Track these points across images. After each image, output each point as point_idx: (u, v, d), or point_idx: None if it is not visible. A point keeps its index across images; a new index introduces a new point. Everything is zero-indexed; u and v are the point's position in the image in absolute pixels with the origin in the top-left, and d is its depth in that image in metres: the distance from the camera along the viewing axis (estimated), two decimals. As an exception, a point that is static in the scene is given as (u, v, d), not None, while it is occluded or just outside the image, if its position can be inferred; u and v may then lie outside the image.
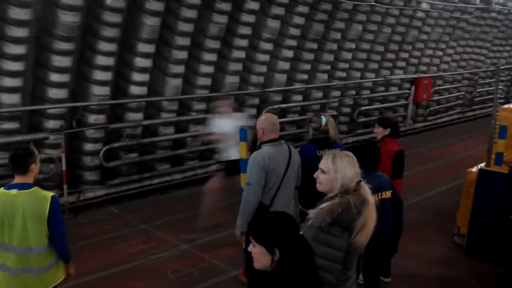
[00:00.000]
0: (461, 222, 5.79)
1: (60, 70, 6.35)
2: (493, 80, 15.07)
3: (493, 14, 13.82)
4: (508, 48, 15.60)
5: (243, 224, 3.73)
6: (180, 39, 7.40)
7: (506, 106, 6.51)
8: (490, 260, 5.22)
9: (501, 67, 15.08)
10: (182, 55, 7.55)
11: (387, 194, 3.62)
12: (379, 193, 3.51)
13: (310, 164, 3.89)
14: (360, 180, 2.56)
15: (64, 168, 6.46)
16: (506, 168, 5.20)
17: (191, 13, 7.33)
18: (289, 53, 9.11)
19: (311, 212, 2.51)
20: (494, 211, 5.08)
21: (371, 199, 2.54)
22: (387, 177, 3.81)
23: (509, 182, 4.65)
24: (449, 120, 13.36)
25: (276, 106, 9.11)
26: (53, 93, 6.42)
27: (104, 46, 6.64)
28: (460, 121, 13.53)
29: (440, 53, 13.03)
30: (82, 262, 4.53)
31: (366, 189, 2.56)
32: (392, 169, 4.72)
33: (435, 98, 12.88)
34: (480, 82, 14.65)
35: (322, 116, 4.36)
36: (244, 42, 8.26)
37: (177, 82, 7.68)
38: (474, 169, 5.80)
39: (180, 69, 7.63)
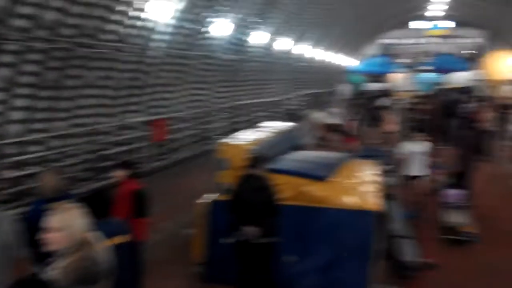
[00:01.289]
0: (196, 252, 6.16)
1: None
2: (222, 117, 17.15)
3: (213, 61, 15.89)
4: (227, 89, 18.06)
5: None
6: None
7: (226, 140, 6.99)
8: (229, 283, 5.62)
9: (223, 106, 17.35)
10: None
11: (122, 238, 3.62)
12: (114, 239, 3.48)
13: (37, 221, 3.71)
14: (92, 230, 2.56)
15: None
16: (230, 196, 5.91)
17: None
18: (24, 102, 8.51)
19: (49, 274, 2.43)
20: (225, 237, 5.55)
21: (106, 247, 2.58)
22: (122, 221, 3.87)
23: (230, 207, 5.33)
24: (185, 157, 14.47)
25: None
26: None
27: None
28: (195, 157, 14.76)
29: (172, 95, 14.17)
30: None
31: (99, 238, 2.57)
32: (132, 209, 4.84)
33: (172, 137, 13.83)
34: (208, 119, 16.45)
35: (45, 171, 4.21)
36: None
37: None
38: (203, 201, 6.26)
39: None
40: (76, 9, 9.04)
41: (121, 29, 10.66)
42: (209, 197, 6.27)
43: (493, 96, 31.37)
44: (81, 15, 9.25)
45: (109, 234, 3.18)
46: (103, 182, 10.34)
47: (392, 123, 13.51)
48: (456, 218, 7.61)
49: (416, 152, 8.50)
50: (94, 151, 10.76)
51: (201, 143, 15.58)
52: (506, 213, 9.25)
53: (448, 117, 15.41)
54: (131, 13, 10.73)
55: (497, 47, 36.96)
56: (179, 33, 13.12)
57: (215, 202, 6.07)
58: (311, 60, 28.08)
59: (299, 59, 25.56)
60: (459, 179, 8.63)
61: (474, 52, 40.45)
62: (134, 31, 11.18)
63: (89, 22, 9.58)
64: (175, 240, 7.58)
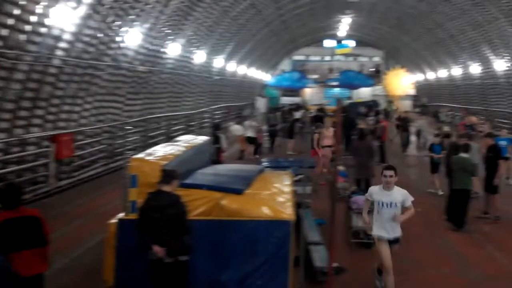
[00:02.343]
0: (108, 275, 5.77)
1: None
2: (134, 131, 16.36)
3: (123, 71, 15.10)
4: (139, 102, 17.29)
5: None
6: None
7: (138, 156, 6.60)
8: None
9: (135, 120, 16.60)
10: None
11: None
12: None
13: None
14: None
15: None
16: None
17: None
18: None
19: None
20: (137, 256, 5.30)
21: None
22: None
23: (137, 226, 5.01)
24: (94, 174, 13.50)
25: None
26: None
27: None
28: (105, 173, 13.86)
29: (78, 108, 13.16)
30: None
31: None
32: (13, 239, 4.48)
33: (78, 153, 12.84)
34: (119, 134, 15.57)
35: None
36: None
37: None
38: (115, 221, 5.89)
39: None
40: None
41: (15, 35, 9.64)
42: (121, 217, 5.95)
43: (393, 109, 34.27)
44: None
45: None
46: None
47: (328, 138, 13.54)
48: (361, 222, 7.80)
49: (390, 204, 5.84)
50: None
51: (112, 159, 14.68)
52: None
53: (351, 129, 16.24)
54: (30, 18, 9.78)
55: (393, 66, 41.28)
56: (84, 41, 12.24)
57: (123, 222, 5.78)
58: (229, 74, 28.11)
59: (217, 72, 25.43)
60: (362, 185, 9.07)
61: (375, 69, 44.54)
62: (32, 38, 10.19)
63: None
64: (84, 264, 7.21)
